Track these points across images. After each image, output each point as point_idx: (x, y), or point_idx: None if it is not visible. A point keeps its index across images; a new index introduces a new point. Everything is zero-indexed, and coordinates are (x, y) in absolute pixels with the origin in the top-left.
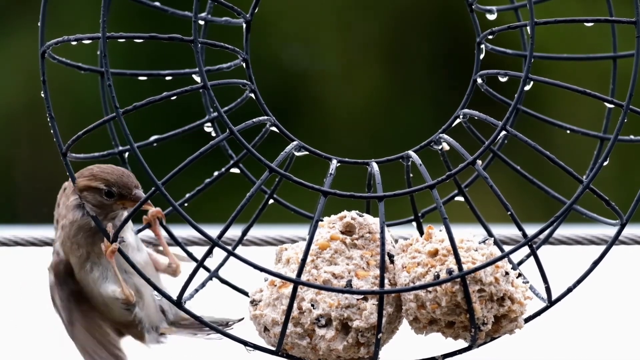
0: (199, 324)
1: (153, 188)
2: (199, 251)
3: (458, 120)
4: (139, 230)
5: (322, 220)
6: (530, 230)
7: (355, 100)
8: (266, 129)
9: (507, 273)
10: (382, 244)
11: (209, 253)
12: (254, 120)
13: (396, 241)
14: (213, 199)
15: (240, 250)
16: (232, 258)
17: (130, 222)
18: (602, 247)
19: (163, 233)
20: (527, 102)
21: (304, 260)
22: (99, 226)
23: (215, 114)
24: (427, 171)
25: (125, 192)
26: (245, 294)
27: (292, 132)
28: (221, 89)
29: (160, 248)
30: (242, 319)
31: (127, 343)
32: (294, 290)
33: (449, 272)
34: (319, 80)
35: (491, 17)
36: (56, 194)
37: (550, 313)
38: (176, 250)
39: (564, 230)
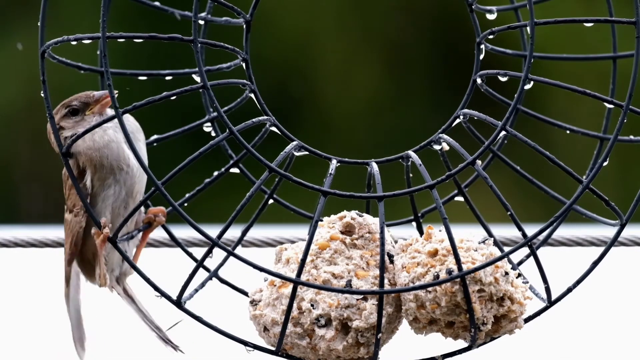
0: (137, 308)
1: (153, 188)
2: (198, 251)
3: (458, 121)
4: (139, 230)
5: (321, 220)
6: (530, 230)
7: (355, 100)
8: (266, 129)
9: (506, 273)
10: (382, 244)
11: (208, 253)
12: (253, 120)
13: (396, 241)
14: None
15: (240, 251)
16: (231, 258)
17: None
18: (602, 248)
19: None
20: (527, 102)
21: (303, 260)
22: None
23: (215, 114)
24: (426, 171)
25: (85, 99)
26: (245, 294)
27: (291, 132)
28: (221, 89)
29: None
30: (179, 321)
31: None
32: (294, 290)
33: (449, 272)
34: (318, 80)
35: (491, 17)
36: (56, 193)
37: (550, 313)
38: (176, 250)
39: (564, 231)
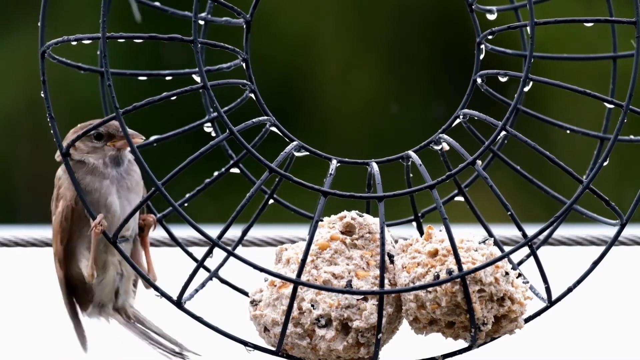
0: (144, 330)
1: (153, 188)
2: (199, 251)
3: (458, 121)
4: (136, 233)
5: (322, 221)
6: (530, 230)
7: (355, 100)
8: (266, 129)
9: (507, 273)
10: (382, 244)
11: (209, 253)
12: (254, 120)
13: (396, 241)
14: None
15: (240, 251)
16: (232, 258)
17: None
18: (602, 248)
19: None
20: (527, 102)
21: (304, 260)
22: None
23: (215, 114)
24: (427, 171)
25: (112, 130)
26: (245, 294)
27: (292, 132)
28: (221, 89)
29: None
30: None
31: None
32: (294, 290)
33: (449, 272)
34: (318, 80)
35: (491, 17)
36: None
37: (550, 313)
38: (176, 250)
39: (564, 231)
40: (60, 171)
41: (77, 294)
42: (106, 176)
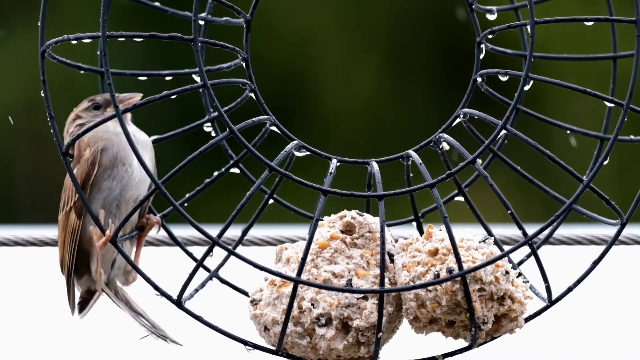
0: (133, 310)
1: (153, 187)
2: (198, 251)
3: (458, 120)
4: (131, 236)
5: (322, 220)
6: (531, 229)
7: (355, 100)
8: (266, 129)
9: (507, 272)
10: (382, 243)
11: (208, 252)
12: (254, 119)
13: (396, 240)
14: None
15: (240, 250)
16: (232, 258)
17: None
18: (602, 247)
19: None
20: (527, 102)
21: (304, 259)
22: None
23: (215, 113)
24: (427, 170)
25: (109, 97)
26: (245, 293)
27: (292, 131)
28: (221, 89)
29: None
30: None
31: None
32: (294, 289)
33: (449, 271)
34: (319, 79)
35: (491, 17)
36: (56, 194)
37: (551, 312)
38: (176, 250)
39: (564, 230)
40: (71, 128)
41: (77, 260)
42: (119, 133)
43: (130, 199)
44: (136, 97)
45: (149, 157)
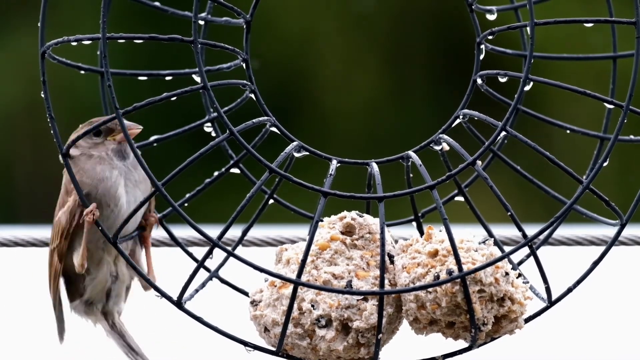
0: (127, 344)
1: (153, 189)
2: (199, 252)
3: (458, 121)
4: (137, 233)
5: (322, 221)
6: (530, 230)
7: (355, 101)
8: (266, 130)
9: (507, 273)
10: (382, 245)
11: (209, 253)
12: (254, 120)
13: (396, 242)
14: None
15: (240, 251)
16: (232, 259)
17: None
18: (602, 248)
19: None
20: (527, 102)
21: (304, 260)
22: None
23: (215, 114)
24: (427, 171)
25: (110, 125)
26: (246, 294)
27: (292, 132)
28: (221, 90)
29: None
30: None
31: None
32: (294, 290)
33: (449, 272)
34: (319, 80)
35: (491, 17)
36: (56, 193)
37: (550, 313)
38: (176, 250)
39: (564, 231)
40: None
41: (70, 286)
42: (114, 167)
43: (121, 236)
44: (138, 130)
45: (141, 192)
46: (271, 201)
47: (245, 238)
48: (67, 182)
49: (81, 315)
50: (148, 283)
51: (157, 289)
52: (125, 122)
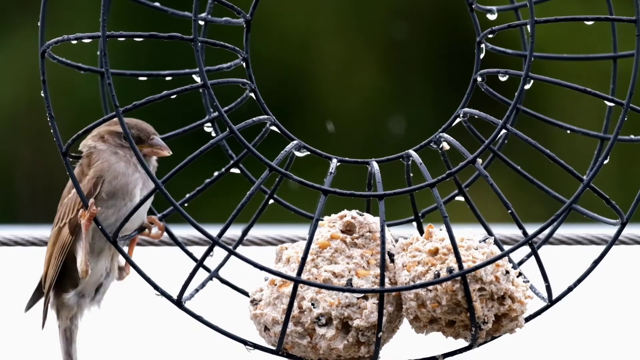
0: (69, 353)
1: (153, 187)
2: (199, 251)
3: (458, 120)
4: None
5: (322, 220)
6: (531, 229)
7: (356, 100)
8: (266, 129)
9: (507, 272)
10: (383, 243)
11: (209, 252)
12: (254, 119)
13: (396, 240)
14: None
15: (240, 250)
16: (232, 258)
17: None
18: (602, 247)
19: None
20: (527, 102)
21: (304, 259)
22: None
23: (216, 113)
24: (427, 170)
25: (143, 135)
26: (246, 293)
27: (292, 131)
28: (221, 89)
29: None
30: None
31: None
32: (294, 289)
33: (450, 270)
34: (319, 79)
35: (491, 17)
36: (56, 193)
37: (551, 312)
38: (176, 250)
39: (564, 230)
40: (91, 142)
41: (64, 278)
42: (137, 170)
43: (125, 230)
44: (165, 152)
45: (151, 203)
46: (271, 200)
47: (246, 237)
48: (84, 164)
49: (73, 303)
50: (148, 282)
51: (157, 288)
52: (159, 140)
